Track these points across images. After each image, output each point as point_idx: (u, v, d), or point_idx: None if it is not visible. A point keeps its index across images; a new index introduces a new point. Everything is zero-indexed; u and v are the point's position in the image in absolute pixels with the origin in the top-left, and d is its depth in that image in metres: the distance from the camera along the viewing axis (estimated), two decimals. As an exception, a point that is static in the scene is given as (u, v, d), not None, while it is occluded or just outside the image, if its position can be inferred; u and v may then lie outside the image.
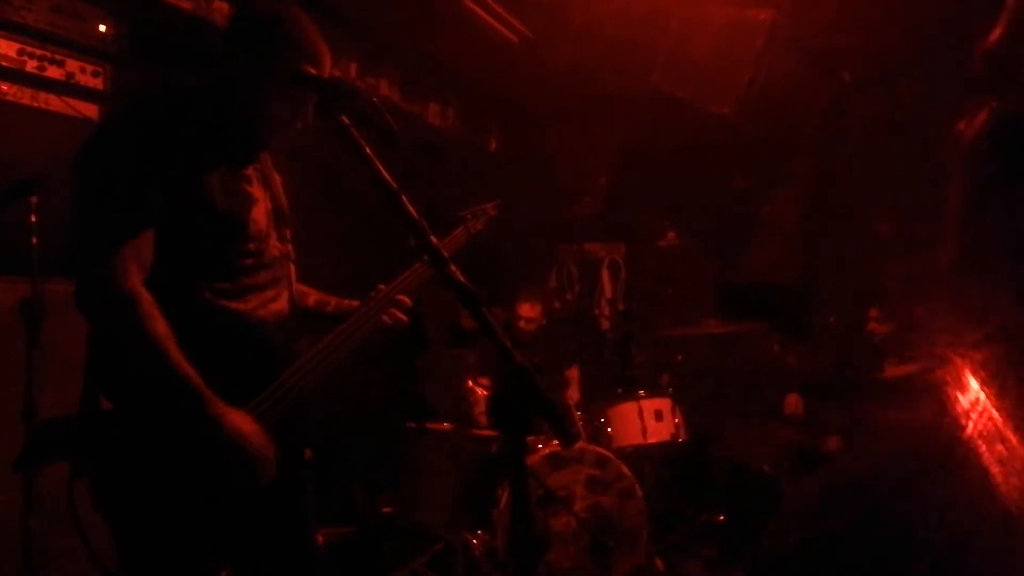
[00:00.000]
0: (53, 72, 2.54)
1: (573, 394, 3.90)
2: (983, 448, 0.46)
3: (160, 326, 1.32)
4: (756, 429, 4.00)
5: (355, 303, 1.78)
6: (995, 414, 0.46)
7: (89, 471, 1.37)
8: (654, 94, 4.14)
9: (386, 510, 3.57)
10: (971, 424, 0.47)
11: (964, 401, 0.48)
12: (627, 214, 5.27)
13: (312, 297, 1.83)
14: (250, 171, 1.58)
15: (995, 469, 0.45)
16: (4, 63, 2.42)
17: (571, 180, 5.41)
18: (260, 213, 1.55)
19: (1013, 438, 0.45)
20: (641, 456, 3.49)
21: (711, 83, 3.82)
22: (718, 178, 4.72)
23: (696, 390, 4.03)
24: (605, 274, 5.22)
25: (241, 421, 1.39)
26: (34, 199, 2.17)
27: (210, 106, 1.53)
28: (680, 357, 3.97)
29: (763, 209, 4.75)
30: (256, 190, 1.56)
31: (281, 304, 1.59)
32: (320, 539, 3.31)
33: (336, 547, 3.34)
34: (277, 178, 1.71)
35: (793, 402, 3.99)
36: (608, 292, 5.19)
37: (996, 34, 0.59)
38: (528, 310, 3.92)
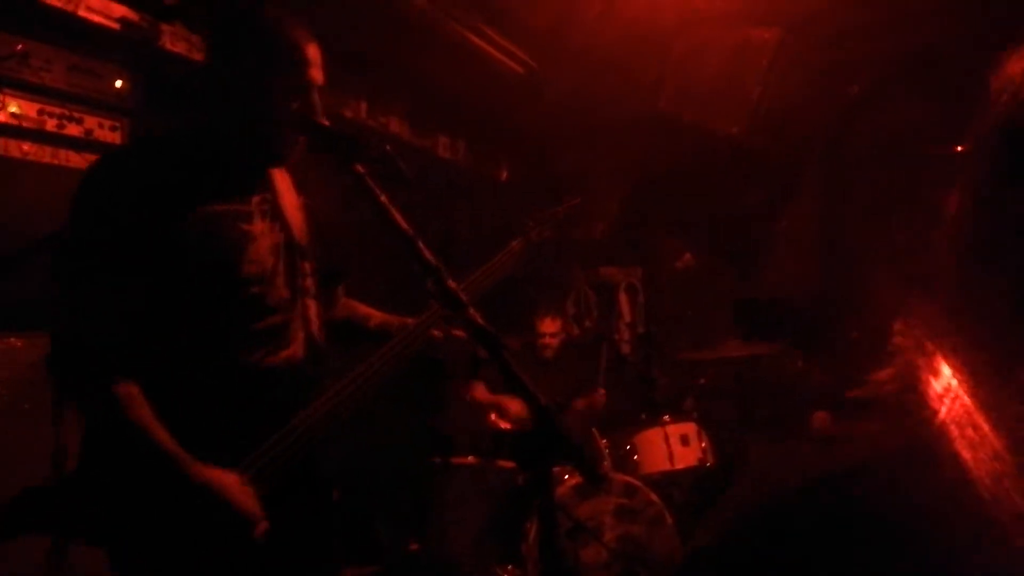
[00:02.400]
0: (72, 129, 2.60)
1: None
2: (955, 433, 0.46)
3: (135, 406, 1.29)
4: (784, 449, 3.93)
5: (406, 320, 1.67)
6: (967, 400, 0.46)
7: (93, 537, 1.34)
8: (662, 116, 4.16)
9: (413, 547, 3.54)
10: (944, 409, 0.47)
11: (937, 386, 0.48)
12: (642, 236, 5.27)
13: (361, 310, 1.77)
14: (251, 205, 1.47)
15: (967, 454, 0.45)
16: (25, 123, 2.48)
17: (584, 205, 5.42)
18: (262, 251, 1.46)
19: (985, 425, 0.44)
20: (669, 482, 3.45)
21: (719, 104, 3.83)
22: (731, 197, 4.71)
23: (721, 413, 3.98)
24: (623, 298, 5.20)
25: (220, 478, 1.33)
26: (57, 255, 2.21)
27: (200, 139, 1.46)
28: (703, 380, 3.93)
29: (777, 225, 4.73)
30: (256, 226, 1.46)
31: (294, 349, 1.49)
32: (348, 579, 3.28)
33: (365, 587, 3.31)
34: (294, 202, 1.59)
35: (820, 420, 3.92)
36: (627, 316, 5.17)
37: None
38: (549, 325, 3.91)
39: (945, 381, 0.47)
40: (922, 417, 0.47)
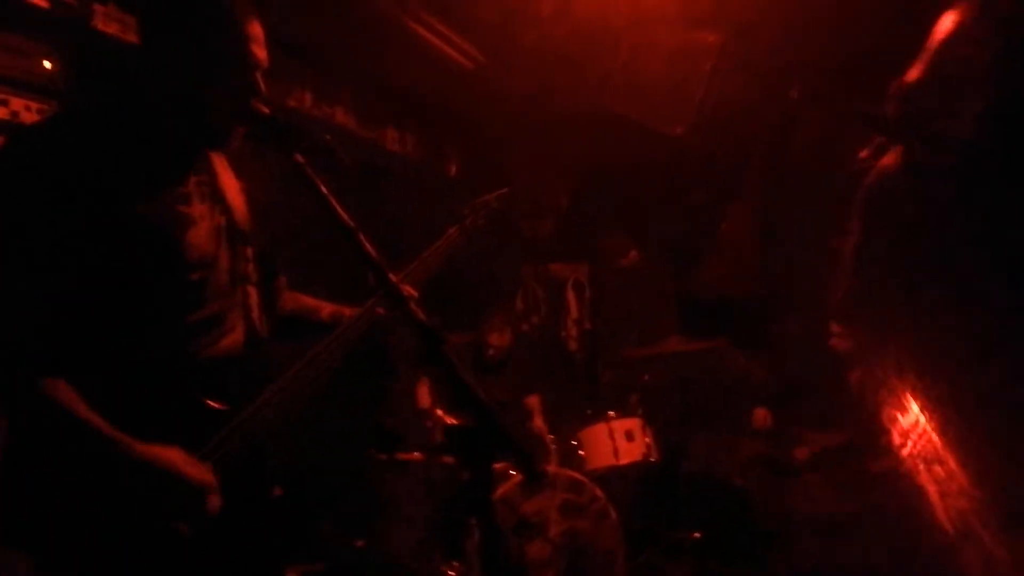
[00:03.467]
0: (-4, 111, 2.47)
1: (537, 422, 3.84)
2: (921, 468, 0.47)
3: (61, 395, 1.23)
4: (726, 444, 4.04)
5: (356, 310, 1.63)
6: (935, 437, 0.47)
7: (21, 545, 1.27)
8: (609, 114, 4.20)
9: (358, 544, 3.50)
10: (910, 444, 0.48)
11: (904, 422, 0.49)
12: (589, 233, 5.32)
13: (309, 302, 1.73)
14: (190, 186, 1.40)
15: (932, 488, 0.46)
16: (-56, 104, 2.35)
17: (532, 201, 5.44)
18: (201, 235, 1.39)
19: (952, 462, 0.46)
20: (614, 477, 3.49)
21: (663, 105, 3.89)
22: (675, 195, 4.79)
23: (664, 408, 4.05)
24: (570, 294, 5.24)
25: (156, 449, 1.27)
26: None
27: (127, 118, 1.37)
28: (646, 377, 3.99)
29: (720, 224, 4.83)
30: (196, 208, 1.39)
31: (234, 338, 1.44)
32: (290, 578, 3.23)
33: (307, 586, 3.26)
34: (234, 185, 1.53)
35: (761, 415, 4.03)
36: (574, 312, 5.21)
37: (913, 75, 0.60)
38: (497, 339, 3.92)
39: (913, 417, 0.48)
40: (888, 449, 0.48)
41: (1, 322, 1.22)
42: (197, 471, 1.30)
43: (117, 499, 1.26)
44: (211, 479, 1.32)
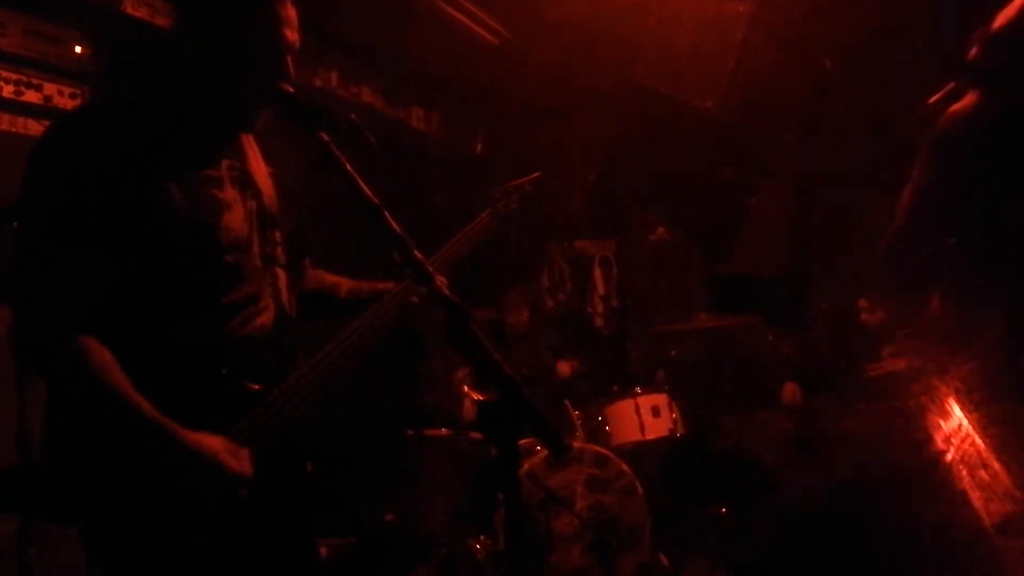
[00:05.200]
0: (31, 96, 2.52)
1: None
2: (964, 473, 0.46)
3: (110, 375, 1.26)
4: (755, 420, 4.01)
5: (376, 284, 1.66)
6: (978, 441, 0.46)
7: (64, 519, 1.31)
8: (637, 89, 4.14)
9: (388, 518, 3.57)
10: (952, 450, 0.47)
11: (946, 427, 0.48)
12: (616, 210, 5.28)
13: (329, 279, 1.75)
14: (222, 171, 1.43)
15: (976, 494, 0.45)
16: (-20, 90, 2.41)
17: (558, 178, 5.41)
18: (235, 219, 1.42)
19: (996, 465, 0.45)
20: (640, 453, 3.50)
21: (693, 77, 3.82)
22: (705, 171, 4.73)
23: (692, 384, 4.04)
24: (597, 271, 5.22)
25: (200, 437, 1.29)
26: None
27: (164, 102, 1.40)
28: (674, 352, 3.98)
29: (751, 200, 4.76)
30: (229, 193, 1.43)
31: (266, 318, 1.47)
32: (323, 551, 3.30)
33: (339, 558, 3.33)
34: (265, 170, 1.55)
35: (791, 392, 3.99)
36: (601, 289, 5.19)
37: (1002, 21, 0.58)
38: (514, 318, 3.94)
39: (955, 422, 0.47)
40: (928, 458, 0.47)
41: (48, 289, 1.27)
42: (237, 461, 1.32)
43: (153, 476, 1.28)
44: (248, 470, 1.33)
